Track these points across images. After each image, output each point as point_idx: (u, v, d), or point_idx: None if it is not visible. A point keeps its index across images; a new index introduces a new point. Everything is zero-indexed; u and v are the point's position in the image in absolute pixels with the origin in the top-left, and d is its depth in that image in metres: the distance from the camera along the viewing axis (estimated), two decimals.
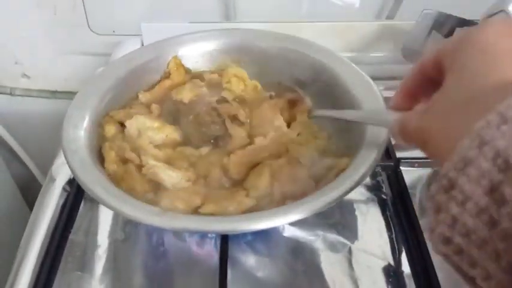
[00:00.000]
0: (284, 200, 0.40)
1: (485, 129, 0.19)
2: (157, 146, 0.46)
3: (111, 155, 0.43)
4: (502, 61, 0.23)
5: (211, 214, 0.38)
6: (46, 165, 0.73)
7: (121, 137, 0.46)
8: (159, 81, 0.52)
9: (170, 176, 0.42)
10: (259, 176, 0.42)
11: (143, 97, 0.50)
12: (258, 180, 0.42)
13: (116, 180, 0.42)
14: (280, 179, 0.42)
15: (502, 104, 0.19)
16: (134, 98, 0.51)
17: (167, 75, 0.53)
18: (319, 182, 0.42)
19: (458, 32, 0.56)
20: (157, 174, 0.41)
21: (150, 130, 0.46)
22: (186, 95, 0.50)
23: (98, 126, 0.46)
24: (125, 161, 0.44)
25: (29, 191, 0.81)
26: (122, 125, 0.47)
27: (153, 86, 0.52)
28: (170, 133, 0.47)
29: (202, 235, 0.47)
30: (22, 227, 0.50)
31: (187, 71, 0.54)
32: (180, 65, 0.53)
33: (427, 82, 0.30)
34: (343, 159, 0.41)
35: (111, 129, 0.46)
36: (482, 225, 0.19)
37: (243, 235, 0.47)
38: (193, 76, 0.53)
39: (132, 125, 0.45)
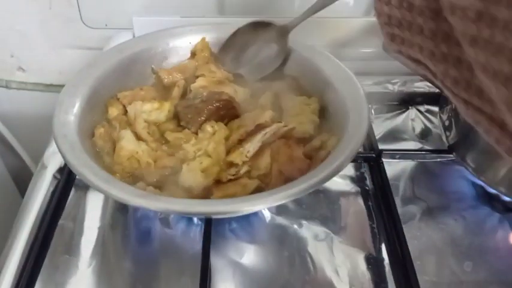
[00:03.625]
0: (282, 179, 0.42)
1: None
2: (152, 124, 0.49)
3: (100, 131, 0.45)
4: None
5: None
6: (40, 156, 0.74)
7: (121, 119, 0.48)
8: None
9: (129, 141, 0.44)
10: (261, 157, 0.44)
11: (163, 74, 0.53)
12: (260, 160, 0.44)
13: (102, 155, 0.44)
14: (278, 160, 0.43)
15: None
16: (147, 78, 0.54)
17: (192, 56, 0.56)
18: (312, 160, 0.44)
19: None
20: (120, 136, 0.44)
21: (147, 113, 0.49)
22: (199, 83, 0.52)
23: (91, 110, 0.47)
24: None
25: (23, 182, 0.81)
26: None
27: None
28: (170, 108, 0.50)
29: (188, 222, 0.49)
30: (14, 216, 0.51)
31: (212, 54, 0.56)
32: (206, 47, 0.55)
33: None
34: (332, 139, 0.43)
35: (113, 112, 0.49)
36: (404, 11, 0.28)
37: (227, 222, 0.48)
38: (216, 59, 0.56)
39: (131, 110, 0.48)
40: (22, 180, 0.83)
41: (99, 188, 0.37)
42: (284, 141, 0.45)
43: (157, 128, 0.49)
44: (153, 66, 0.55)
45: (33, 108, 0.81)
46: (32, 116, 0.82)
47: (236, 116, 0.49)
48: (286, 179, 0.41)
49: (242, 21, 0.56)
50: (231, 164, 0.44)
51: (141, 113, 0.48)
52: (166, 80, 0.53)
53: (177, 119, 0.50)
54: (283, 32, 0.54)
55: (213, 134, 0.46)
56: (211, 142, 0.45)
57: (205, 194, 0.42)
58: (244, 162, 0.43)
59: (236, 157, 0.43)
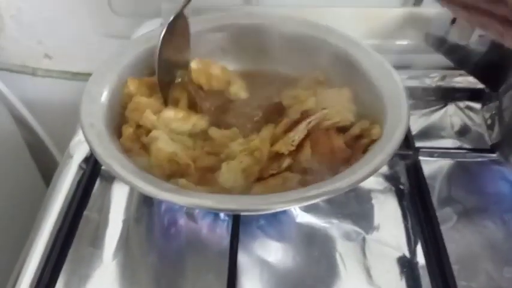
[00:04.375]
0: (324, 172, 0.40)
1: None
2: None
3: (128, 131, 0.43)
4: None
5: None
6: (65, 145, 0.74)
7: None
8: None
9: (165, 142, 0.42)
10: (301, 149, 0.42)
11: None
12: (300, 153, 0.42)
13: (131, 156, 0.42)
14: (318, 151, 0.42)
15: None
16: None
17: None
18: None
19: None
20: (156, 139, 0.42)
21: (174, 122, 0.46)
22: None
23: (119, 99, 0.46)
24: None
25: (47, 170, 0.82)
26: None
27: None
28: (196, 121, 0.47)
29: (215, 217, 0.47)
30: (38, 205, 0.51)
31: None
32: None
33: None
34: (376, 128, 0.42)
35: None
36: None
37: (255, 219, 0.47)
38: None
39: (145, 122, 0.45)
40: (47, 168, 0.83)
41: (126, 180, 0.36)
42: (323, 132, 0.43)
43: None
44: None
45: (60, 96, 0.81)
46: (58, 104, 0.82)
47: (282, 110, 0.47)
48: (329, 171, 0.39)
49: (278, 10, 0.53)
50: (274, 159, 0.42)
51: (166, 122, 0.46)
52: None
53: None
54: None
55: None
56: (256, 139, 0.43)
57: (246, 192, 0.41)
58: (289, 153, 0.41)
59: (281, 146, 0.41)
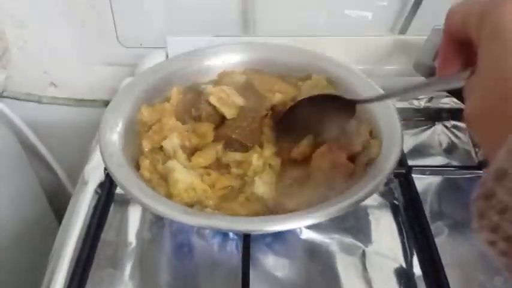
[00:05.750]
0: (328, 186, 0.44)
1: None
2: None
3: (146, 163, 0.46)
4: None
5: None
6: (71, 169, 0.77)
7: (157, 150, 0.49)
8: None
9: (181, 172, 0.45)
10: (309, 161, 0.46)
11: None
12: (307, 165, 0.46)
13: (152, 185, 0.44)
14: (322, 166, 0.45)
15: None
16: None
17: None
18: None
19: None
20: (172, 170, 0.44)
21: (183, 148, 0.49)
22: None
23: (134, 129, 0.49)
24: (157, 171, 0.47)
25: (54, 195, 0.84)
26: None
27: None
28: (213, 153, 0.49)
29: (224, 236, 0.50)
30: (46, 231, 0.53)
31: None
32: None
33: (460, 45, 0.30)
34: (375, 145, 0.45)
35: (147, 145, 0.49)
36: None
37: (263, 237, 0.50)
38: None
39: (167, 145, 0.48)
40: (53, 192, 0.85)
41: (148, 206, 0.39)
42: (327, 147, 0.47)
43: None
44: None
45: (64, 122, 0.84)
46: (63, 130, 0.84)
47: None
48: (332, 186, 0.43)
49: (273, 40, 0.57)
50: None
51: (178, 146, 0.48)
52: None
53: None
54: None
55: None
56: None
57: (276, 205, 0.44)
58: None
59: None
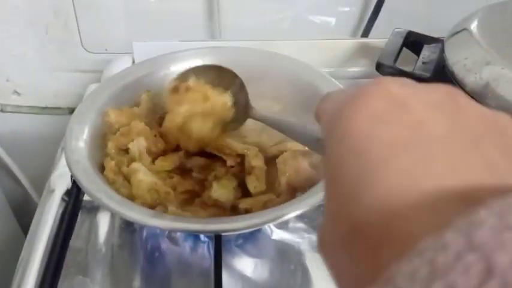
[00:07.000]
0: (292, 192, 0.45)
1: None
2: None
3: (110, 164, 0.46)
4: (378, 171, 0.16)
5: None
6: (37, 179, 0.75)
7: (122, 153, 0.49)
8: None
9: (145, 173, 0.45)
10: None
11: None
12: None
13: (115, 187, 0.45)
14: (286, 172, 0.46)
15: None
16: None
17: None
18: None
19: (426, 49, 0.61)
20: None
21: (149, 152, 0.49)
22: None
23: (99, 136, 0.49)
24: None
25: (19, 206, 0.82)
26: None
27: None
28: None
29: (195, 239, 0.50)
30: (11, 243, 0.52)
31: None
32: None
33: None
34: None
35: (112, 146, 0.49)
36: None
37: (234, 238, 0.51)
38: None
39: (134, 147, 0.48)
40: (17, 201, 0.83)
41: (117, 212, 0.39)
42: (291, 154, 0.48)
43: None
44: None
45: (29, 130, 0.82)
46: (27, 138, 0.82)
47: None
48: (296, 191, 0.44)
49: (239, 44, 0.58)
50: None
51: (144, 149, 0.48)
52: None
53: None
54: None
55: None
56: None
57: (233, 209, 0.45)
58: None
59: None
